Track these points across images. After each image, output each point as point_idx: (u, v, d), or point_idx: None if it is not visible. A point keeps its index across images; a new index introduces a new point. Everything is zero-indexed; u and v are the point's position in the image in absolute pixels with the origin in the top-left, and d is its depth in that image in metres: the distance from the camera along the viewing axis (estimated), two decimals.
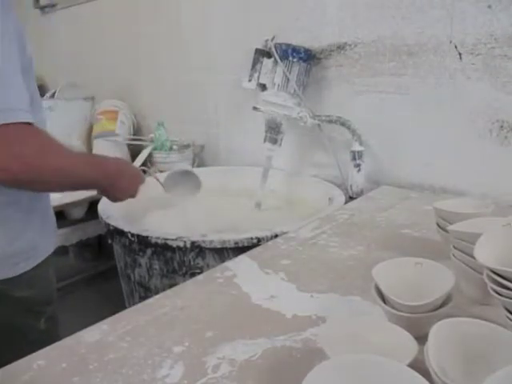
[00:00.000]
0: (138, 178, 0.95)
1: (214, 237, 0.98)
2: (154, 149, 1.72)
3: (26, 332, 0.83)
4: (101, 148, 1.79)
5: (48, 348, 0.56)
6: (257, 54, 1.33)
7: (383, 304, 0.55)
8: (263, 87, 1.34)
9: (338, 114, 1.31)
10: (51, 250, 0.88)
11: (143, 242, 1.02)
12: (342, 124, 1.30)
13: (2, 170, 0.63)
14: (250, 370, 0.51)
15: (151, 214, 1.37)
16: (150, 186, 1.43)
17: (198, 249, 0.99)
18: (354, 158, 1.28)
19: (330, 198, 1.23)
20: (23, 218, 0.79)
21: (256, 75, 1.34)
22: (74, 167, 0.73)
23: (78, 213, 1.63)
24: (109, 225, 1.10)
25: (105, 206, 1.21)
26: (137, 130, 2.06)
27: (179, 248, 0.99)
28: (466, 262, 0.61)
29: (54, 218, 0.92)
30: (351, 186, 1.30)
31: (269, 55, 1.33)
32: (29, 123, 0.64)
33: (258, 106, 1.31)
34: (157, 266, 1.06)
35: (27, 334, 0.82)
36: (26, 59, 0.72)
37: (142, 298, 1.02)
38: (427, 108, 1.18)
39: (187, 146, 1.76)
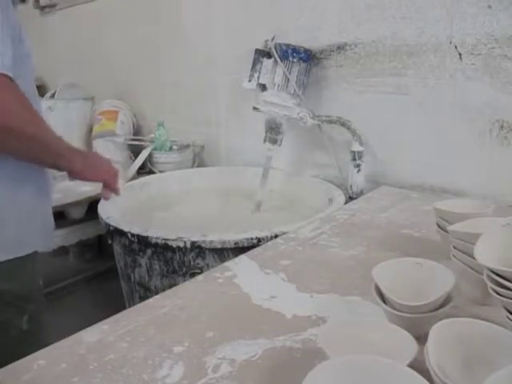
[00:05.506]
0: (105, 166, 0.96)
1: (214, 237, 0.98)
2: (154, 149, 1.73)
3: (7, 327, 0.83)
4: (101, 148, 1.78)
5: (48, 348, 0.56)
6: (257, 54, 1.33)
7: (383, 304, 0.55)
8: (263, 87, 1.34)
9: (338, 114, 1.31)
10: (39, 247, 0.88)
11: (143, 242, 1.02)
12: (342, 124, 1.30)
13: None
14: (250, 370, 0.51)
15: (151, 213, 1.38)
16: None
17: (197, 249, 0.99)
18: (354, 158, 1.28)
19: (329, 198, 1.23)
20: (3, 209, 0.79)
21: (256, 75, 1.34)
22: (42, 132, 0.74)
23: (78, 213, 1.62)
24: (109, 225, 1.10)
25: (105, 206, 1.21)
26: (137, 130, 2.06)
27: (179, 248, 0.99)
28: (466, 262, 0.61)
29: (51, 218, 0.92)
30: (351, 186, 1.30)
31: (269, 55, 1.32)
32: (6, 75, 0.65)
33: (257, 106, 1.31)
34: (157, 266, 1.06)
35: (8, 330, 0.83)
36: (23, 48, 0.73)
37: (142, 298, 1.02)
38: (427, 108, 1.18)
39: (187, 146, 1.76)
